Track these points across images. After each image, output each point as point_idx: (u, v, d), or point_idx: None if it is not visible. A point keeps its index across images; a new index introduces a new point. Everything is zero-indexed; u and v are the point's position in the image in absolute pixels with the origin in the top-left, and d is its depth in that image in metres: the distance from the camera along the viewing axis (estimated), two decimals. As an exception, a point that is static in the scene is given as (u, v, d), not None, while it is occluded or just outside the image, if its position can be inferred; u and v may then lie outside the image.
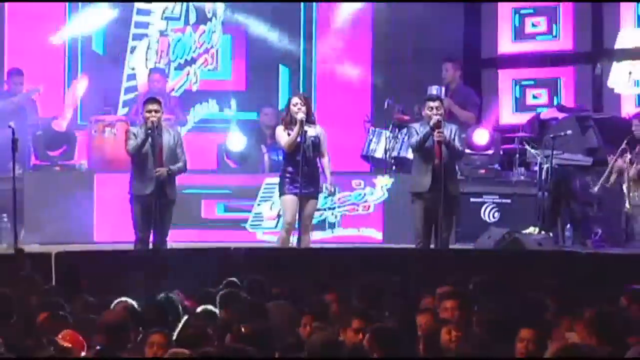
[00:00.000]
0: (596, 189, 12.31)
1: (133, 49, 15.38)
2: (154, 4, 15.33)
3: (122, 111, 14.89)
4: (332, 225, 13.63)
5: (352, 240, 13.53)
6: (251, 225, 13.63)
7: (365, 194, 13.60)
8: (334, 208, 13.54)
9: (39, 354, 6.79)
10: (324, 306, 8.44)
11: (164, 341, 7.11)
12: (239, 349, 6.56)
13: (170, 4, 15.37)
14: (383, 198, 13.67)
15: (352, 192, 13.68)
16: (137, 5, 15.31)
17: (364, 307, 8.25)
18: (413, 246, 11.89)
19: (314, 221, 12.52)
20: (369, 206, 13.69)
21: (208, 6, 15.45)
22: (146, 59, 15.37)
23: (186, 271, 10.53)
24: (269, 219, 13.58)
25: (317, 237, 13.23)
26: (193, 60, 15.50)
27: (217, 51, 15.55)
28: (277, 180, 12.29)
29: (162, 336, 7.15)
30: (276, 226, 13.30)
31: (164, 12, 15.42)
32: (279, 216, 13.12)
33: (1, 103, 13.52)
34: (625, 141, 11.98)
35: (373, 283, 9.04)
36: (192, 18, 15.52)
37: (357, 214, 13.65)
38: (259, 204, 13.64)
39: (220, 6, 15.44)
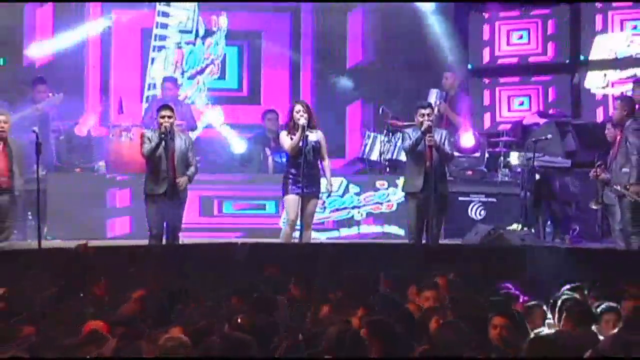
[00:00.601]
0: (594, 205, 12.24)
1: (153, 60, 15.39)
2: (171, 18, 15.33)
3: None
4: (357, 223, 13.60)
5: (377, 236, 13.51)
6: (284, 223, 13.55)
7: (388, 194, 13.59)
8: (360, 206, 13.54)
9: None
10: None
11: (181, 333, 7.02)
12: (233, 337, 6.55)
13: (184, 18, 15.35)
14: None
15: (376, 192, 13.68)
16: (158, 19, 15.32)
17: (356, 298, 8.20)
18: (407, 241, 11.98)
19: (340, 217, 12.65)
20: (392, 205, 13.68)
21: (213, 19, 15.46)
22: (164, 69, 15.34)
23: (197, 265, 10.57)
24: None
25: (344, 234, 13.43)
26: (202, 71, 15.54)
27: (221, 62, 15.61)
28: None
29: (180, 329, 7.11)
30: (282, 223, 13.36)
31: (178, 25, 15.41)
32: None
33: (26, 110, 13.52)
34: (598, 155, 12.01)
35: (361, 276, 9.09)
36: (201, 31, 15.54)
37: (380, 212, 13.65)
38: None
39: (223, 20, 15.47)
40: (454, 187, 13.16)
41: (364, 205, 13.63)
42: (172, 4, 15.42)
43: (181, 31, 15.47)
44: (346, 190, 13.66)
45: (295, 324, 7.53)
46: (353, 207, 13.62)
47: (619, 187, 11.59)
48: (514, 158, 13.79)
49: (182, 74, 15.41)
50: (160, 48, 15.45)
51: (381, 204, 13.63)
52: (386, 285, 9.09)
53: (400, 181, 13.24)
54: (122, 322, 7.33)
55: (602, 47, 15.21)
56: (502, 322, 7.10)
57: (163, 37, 15.45)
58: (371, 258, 10.67)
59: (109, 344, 6.77)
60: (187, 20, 15.44)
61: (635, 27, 15.17)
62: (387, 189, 13.69)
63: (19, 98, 13.79)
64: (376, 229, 13.60)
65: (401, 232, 13.47)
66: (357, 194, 13.32)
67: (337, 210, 13.44)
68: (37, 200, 11.81)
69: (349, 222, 13.63)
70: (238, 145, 14.77)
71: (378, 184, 13.69)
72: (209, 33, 15.55)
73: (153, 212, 11.75)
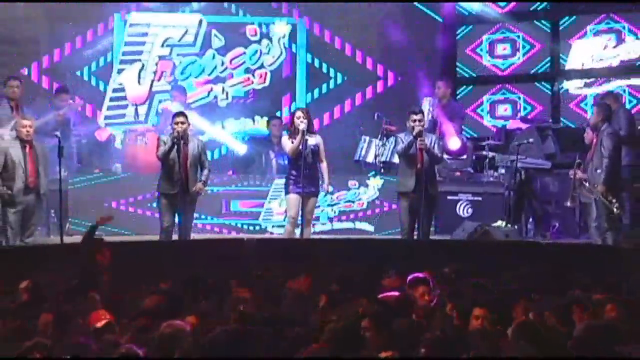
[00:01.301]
0: (569, 203, 12.26)
1: (120, 70, 15.24)
2: (150, 36, 15.26)
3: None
4: (331, 219, 13.61)
5: (348, 232, 13.51)
6: (263, 219, 13.64)
7: (359, 193, 13.60)
8: (333, 205, 13.54)
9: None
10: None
11: (197, 322, 7.06)
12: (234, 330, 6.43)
13: (175, 34, 15.29)
14: (374, 196, 13.74)
15: (348, 191, 13.70)
16: (127, 39, 15.24)
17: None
18: (400, 237, 11.99)
19: (316, 215, 12.60)
20: (363, 203, 13.71)
21: (250, 30, 15.51)
22: (139, 77, 15.22)
23: (207, 258, 10.57)
24: (278, 214, 13.60)
25: (318, 229, 13.30)
26: (220, 79, 15.48)
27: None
28: (283, 181, 12.34)
29: (196, 317, 7.12)
30: (284, 220, 13.38)
31: (165, 40, 15.28)
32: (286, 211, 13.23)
33: (49, 116, 13.53)
34: (577, 155, 12.02)
35: (350, 271, 9.07)
36: (217, 43, 15.46)
37: (352, 209, 13.66)
38: (269, 202, 13.63)
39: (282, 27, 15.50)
40: (443, 187, 13.15)
41: (337, 204, 13.59)
42: (160, 19, 15.34)
43: (172, 45, 15.31)
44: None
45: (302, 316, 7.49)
46: (327, 205, 13.57)
47: (588, 185, 11.61)
48: (499, 160, 13.80)
49: (175, 81, 15.23)
50: (133, 61, 15.27)
51: (353, 202, 13.58)
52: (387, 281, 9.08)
53: (371, 181, 13.49)
54: (146, 313, 7.28)
55: (580, 50, 15.22)
56: (483, 313, 7.04)
57: (138, 52, 15.27)
58: (366, 253, 10.70)
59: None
60: (186, 35, 15.32)
61: (610, 39, 15.19)
62: (358, 188, 13.69)
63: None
64: (348, 225, 13.53)
65: (371, 228, 13.53)
66: (331, 193, 13.24)
67: (318, 207, 13.29)
68: (59, 199, 11.82)
69: (323, 219, 13.59)
70: (239, 148, 14.74)
71: (350, 183, 13.67)
72: (239, 43, 15.48)
73: (165, 207, 11.74)
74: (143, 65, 15.27)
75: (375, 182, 13.68)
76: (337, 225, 13.63)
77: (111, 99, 15.18)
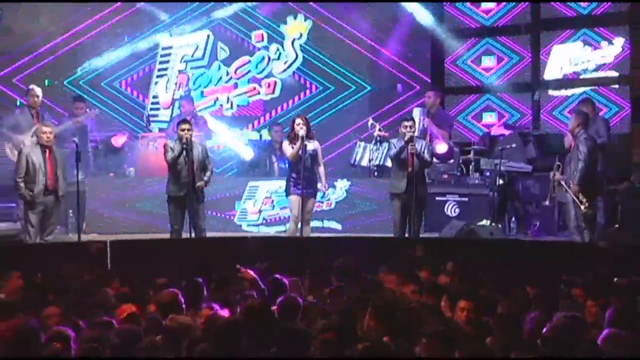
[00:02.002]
0: (547, 202, 12.25)
1: (156, 82, 15.81)
2: (173, 54, 15.68)
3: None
4: None
5: (318, 230, 13.34)
6: (239, 219, 13.52)
7: (328, 194, 13.41)
8: None
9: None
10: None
11: (209, 314, 7.02)
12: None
13: (189, 52, 15.73)
14: (342, 197, 13.65)
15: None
16: (160, 59, 15.74)
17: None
18: (391, 235, 11.99)
19: (287, 214, 12.55)
20: (331, 203, 13.60)
21: (256, 36, 15.49)
22: (166, 88, 15.77)
23: (214, 255, 10.56)
24: (252, 214, 13.51)
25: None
26: (227, 89, 15.57)
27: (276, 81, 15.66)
28: (256, 183, 12.47)
29: (209, 310, 7.11)
30: (258, 219, 13.29)
31: (182, 57, 15.78)
32: (260, 211, 13.22)
33: (68, 123, 13.54)
34: (557, 158, 12.02)
35: (347, 264, 9.03)
36: (223, 54, 15.63)
37: (322, 209, 13.48)
38: (244, 202, 13.51)
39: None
40: (432, 189, 13.15)
41: None
42: (180, 41, 15.68)
43: (186, 61, 15.75)
44: None
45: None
46: None
47: (564, 185, 11.61)
48: (483, 164, 13.79)
49: (188, 91, 15.64)
50: (162, 76, 15.84)
51: (322, 202, 13.49)
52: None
53: (338, 183, 13.45)
54: (164, 305, 7.22)
55: (558, 54, 15.23)
56: (469, 305, 7.00)
57: (164, 69, 15.86)
58: (362, 249, 10.69)
59: None
60: (196, 50, 15.59)
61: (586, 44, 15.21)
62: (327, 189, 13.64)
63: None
64: (317, 223, 13.41)
65: (339, 226, 13.44)
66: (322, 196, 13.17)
67: (285, 208, 13.26)
68: (77, 200, 11.83)
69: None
70: (246, 153, 14.72)
71: (319, 185, 13.62)
72: (243, 53, 15.55)
73: (174, 210, 11.72)
74: (168, 79, 15.83)
75: (342, 184, 13.62)
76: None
77: (152, 103, 15.82)
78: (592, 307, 7.20)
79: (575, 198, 11.40)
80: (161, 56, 15.87)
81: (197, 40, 15.75)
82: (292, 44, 15.69)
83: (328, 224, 13.55)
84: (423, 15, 15.51)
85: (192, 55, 15.77)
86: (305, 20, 15.67)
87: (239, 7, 15.65)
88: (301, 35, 15.72)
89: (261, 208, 13.50)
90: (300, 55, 15.72)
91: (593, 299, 7.32)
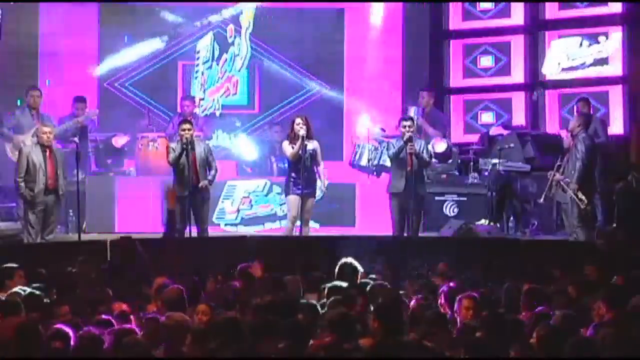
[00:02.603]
0: (542, 200, 12.32)
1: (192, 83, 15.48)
2: (199, 54, 15.38)
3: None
4: (279, 218, 13.29)
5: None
6: (217, 218, 13.43)
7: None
8: (282, 204, 13.18)
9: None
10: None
11: (207, 310, 7.11)
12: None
13: (205, 53, 15.33)
14: (320, 196, 13.12)
15: None
16: (197, 55, 15.35)
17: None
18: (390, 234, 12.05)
19: (264, 213, 12.63)
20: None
21: (229, 31, 15.26)
22: (195, 92, 15.35)
23: (216, 254, 10.60)
24: (230, 213, 13.46)
25: (267, 227, 13.30)
26: (217, 89, 15.50)
27: (238, 80, 15.39)
28: (235, 182, 12.53)
29: (207, 306, 7.16)
30: (236, 218, 13.25)
31: (203, 58, 15.43)
32: (238, 210, 13.23)
33: (69, 123, 13.57)
34: (559, 158, 12.09)
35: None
36: (216, 52, 15.44)
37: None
38: (222, 202, 13.44)
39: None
40: (431, 188, 13.15)
41: (284, 203, 13.21)
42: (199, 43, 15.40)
43: (204, 62, 15.45)
44: (270, 190, 13.59)
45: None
46: (278, 205, 13.46)
47: (563, 184, 11.68)
48: (482, 164, 13.84)
49: (204, 91, 15.38)
50: (196, 77, 15.47)
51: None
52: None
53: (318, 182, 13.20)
54: (169, 302, 7.24)
55: (557, 49, 15.28)
56: (472, 304, 7.03)
57: (196, 71, 15.49)
58: (361, 248, 10.73)
59: None
60: (207, 52, 15.42)
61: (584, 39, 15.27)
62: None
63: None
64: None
65: (316, 225, 13.18)
66: (279, 194, 13.08)
67: (264, 206, 13.26)
68: (77, 199, 11.88)
69: (273, 218, 13.53)
70: (250, 153, 14.73)
71: (319, 184, 13.59)
72: (223, 49, 15.36)
73: (179, 211, 11.78)
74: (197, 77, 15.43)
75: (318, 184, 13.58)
76: (285, 222, 13.26)
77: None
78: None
79: (574, 197, 11.46)
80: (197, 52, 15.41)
81: (207, 41, 15.44)
82: (246, 34, 15.34)
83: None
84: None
85: (206, 56, 15.44)
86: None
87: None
88: (249, 24, 15.30)
89: (239, 207, 13.48)
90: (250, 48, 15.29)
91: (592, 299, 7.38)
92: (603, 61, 15.01)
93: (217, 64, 15.44)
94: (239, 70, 15.36)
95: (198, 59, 15.43)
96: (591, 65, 15.13)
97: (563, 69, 15.31)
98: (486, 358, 5.80)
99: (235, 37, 15.32)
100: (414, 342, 6.01)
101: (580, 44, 15.19)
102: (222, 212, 13.53)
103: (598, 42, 15.09)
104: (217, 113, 15.41)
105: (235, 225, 13.45)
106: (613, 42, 14.93)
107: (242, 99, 15.47)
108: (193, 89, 15.32)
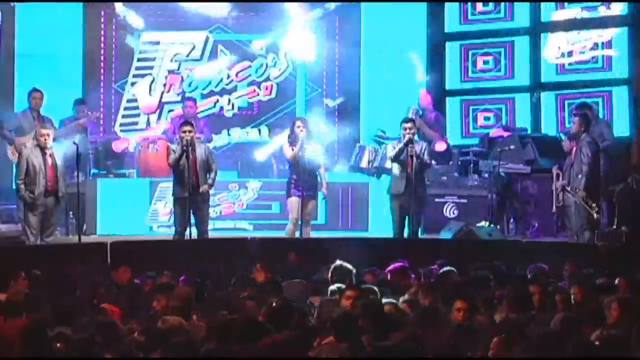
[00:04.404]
0: (554, 210, 12.38)
1: (133, 83, 15.38)
2: (160, 52, 15.35)
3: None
4: (213, 219, 13.09)
5: (229, 230, 13.43)
6: (150, 220, 13.42)
7: (240, 195, 13.50)
8: (214, 205, 13.16)
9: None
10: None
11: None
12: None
13: (183, 50, 15.36)
14: (254, 198, 13.66)
15: (229, 193, 13.59)
16: (139, 55, 15.31)
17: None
18: (387, 236, 12.10)
19: None
20: (243, 204, 13.48)
21: (256, 45, 15.40)
22: (150, 89, 15.34)
23: (217, 255, 10.64)
24: (163, 215, 13.43)
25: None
26: (226, 91, 15.53)
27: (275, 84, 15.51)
28: (167, 184, 12.38)
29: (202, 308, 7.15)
30: (169, 220, 13.16)
31: (175, 55, 15.37)
32: (171, 212, 13.08)
33: (69, 125, 13.63)
34: (557, 165, 12.16)
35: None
36: (224, 57, 15.43)
37: (233, 210, 13.54)
38: (155, 203, 13.41)
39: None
40: (431, 190, 13.16)
41: (218, 205, 13.40)
42: (169, 37, 15.40)
43: (181, 60, 15.38)
44: None
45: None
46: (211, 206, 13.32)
47: (570, 189, 11.73)
48: (482, 165, 13.89)
49: (183, 93, 15.27)
50: (143, 75, 15.36)
51: (233, 203, 13.53)
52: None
53: (249, 184, 13.43)
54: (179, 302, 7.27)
55: (557, 34, 15.35)
56: (465, 305, 7.02)
57: (149, 67, 15.37)
58: (361, 250, 10.78)
59: None
60: (193, 50, 15.39)
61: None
62: (238, 190, 13.62)
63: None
64: (229, 224, 13.51)
65: (250, 227, 13.38)
66: (214, 195, 12.92)
67: None
68: (77, 201, 11.94)
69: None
70: (259, 154, 14.76)
71: (230, 186, 13.59)
72: (243, 57, 15.45)
73: (179, 213, 11.85)
74: (153, 79, 15.38)
75: (254, 185, 13.64)
76: (219, 224, 13.40)
77: (125, 109, 15.31)
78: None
79: (585, 205, 11.50)
80: (140, 52, 15.30)
81: (193, 39, 15.35)
82: (285, 55, 15.60)
83: (239, 224, 13.38)
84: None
85: (188, 55, 15.38)
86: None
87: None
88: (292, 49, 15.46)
89: (172, 209, 13.15)
90: (291, 64, 15.55)
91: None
92: (603, 45, 15.04)
93: (228, 68, 15.45)
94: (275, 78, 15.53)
95: (153, 52, 15.34)
96: (591, 49, 15.17)
97: (563, 54, 15.33)
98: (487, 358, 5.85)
99: (267, 51, 15.43)
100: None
101: (579, 31, 15.19)
102: (155, 214, 13.46)
103: (598, 13, 15.08)
104: (230, 114, 15.44)
105: (169, 227, 13.13)
106: (612, 30, 14.95)
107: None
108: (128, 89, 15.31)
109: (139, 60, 15.37)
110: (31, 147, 12.05)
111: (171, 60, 15.40)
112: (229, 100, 15.53)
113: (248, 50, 15.43)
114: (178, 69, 15.45)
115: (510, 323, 6.67)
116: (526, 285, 7.89)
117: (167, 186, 12.61)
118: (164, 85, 15.40)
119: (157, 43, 15.39)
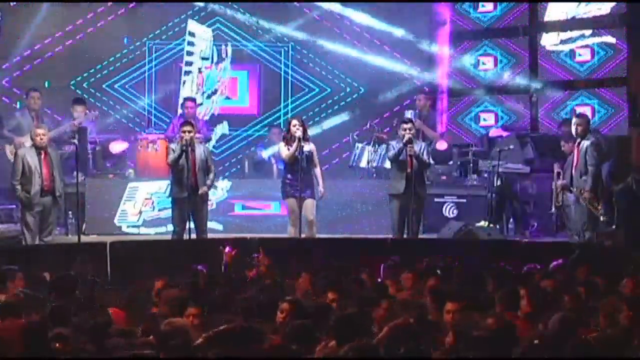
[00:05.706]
0: (553, 210, 12.41)
1: (184, 82, 15.52)
2: (195, 47, 15.41)
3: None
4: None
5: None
6: (119, 220, 13.32)
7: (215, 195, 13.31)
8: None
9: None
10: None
11: (199, 312, 7.08)
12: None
13: (204, 47, 15.39)
14: (223, 197, 13.56)
15: None
16: (186, 47, 15.39)
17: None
18: (389, 236, 12.09)
19: (168, 215, 12.39)
20: (212, 204, 13.04)
21: (223, 48, 15.42)
22: (191, 91, 15.45)
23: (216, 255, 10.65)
24: (132, 215, 13.38)
25: (170, 229, 12.85)
26: (215, 91, 15.58)
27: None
28: (136, 184, 12.64)
29: (197, 309, 7.10)
30: (138, 220, 13.21)
31: (200, 52, 15.47)
32: (140, 212, 13.18)
33: (65, 125, 13.64)
34: (557, 165, 12.16)
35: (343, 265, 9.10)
36: (216, 57, 15.55)
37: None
38: (124, 203, 13.33)
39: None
40: (431, 190, 13.18)
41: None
42: (196, 34, 15.44)
43: (202, 58, 15.50)
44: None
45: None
46: None
47: (575, 190, 11.74)
48: (482, 165, 13.90)
49: (202, 94, 15.41)
50: (188, 73, 15.51)
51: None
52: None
53: (219, 184, 13.28)
54: (175, 302, 7.27)
55: (556, 7, 15.35)
56: (456, 307, 6.98)
57: (189, 63, 15.52)
58: (362, 250, 10.78)
59: None
60: (206, 48, 15.47)
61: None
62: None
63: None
64: None
65: (219, 227, 13.22)
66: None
67: (165, 209, 12.99)
68: (77, 201, 11.93)
69: None
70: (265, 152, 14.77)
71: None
72: (220, 59, 15.58)
73: (177, 213, 11.85)
74: (192, 79, 15.57)
75: (223, 185, 13.58)
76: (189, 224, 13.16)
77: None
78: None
79: (591, 207, 11.51)
80: (188, 44, 15.32)
81: (205, 36, 15.41)
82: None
83: (210, 225, 13.09)
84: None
85: (206, 52, 15.42)
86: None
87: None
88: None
89: (141, 209, 13.29)
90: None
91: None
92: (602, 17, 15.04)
93: (216, 68, 15.50)
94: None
95: (192, 55, 15.42)
96: (590, 36, 15.18)
97: (562, 41, 15.34)
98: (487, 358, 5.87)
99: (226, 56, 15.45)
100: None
101: (578, 5, 15.20)
102: (124, 214, 13.37)
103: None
104: (217, 112, 15.50)
105: (137, 227, 13.24)
106: (611, 21, 14.97)
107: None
108: (185, 88, 15.37)
109: (188, 54, 15.51)
110: (27, 147, 12.03)
111: (200, 57, 15.49)
112: (214, 99, 15.55)
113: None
114: (201, 67, 15.56)
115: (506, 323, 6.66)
116: (517, 285, 7.87)
117: (135, 186, 12.54)
118: (198, 85, 15.52)
119: (193, 35, 15.47)
